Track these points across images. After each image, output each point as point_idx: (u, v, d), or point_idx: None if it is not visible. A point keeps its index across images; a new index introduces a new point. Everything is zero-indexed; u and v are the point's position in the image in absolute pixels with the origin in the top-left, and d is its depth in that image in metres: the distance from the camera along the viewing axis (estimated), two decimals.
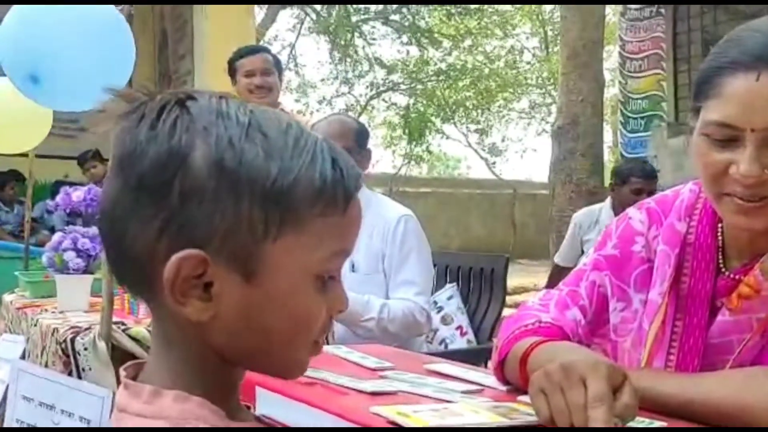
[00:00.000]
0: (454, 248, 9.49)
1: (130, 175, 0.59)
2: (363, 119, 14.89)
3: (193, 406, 0.59)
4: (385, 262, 2.27)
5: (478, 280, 2.91)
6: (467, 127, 15.10)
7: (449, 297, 2.87)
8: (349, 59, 14.71)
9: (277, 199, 0.58)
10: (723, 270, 1.04)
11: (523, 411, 0.91)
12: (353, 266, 2.29)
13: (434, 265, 2.91)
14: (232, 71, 3.14)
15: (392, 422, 0.82)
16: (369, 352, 1.35)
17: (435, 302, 2.84)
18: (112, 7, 1.75)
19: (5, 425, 1.85)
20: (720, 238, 1.05)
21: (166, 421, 0.58)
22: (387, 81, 14.86)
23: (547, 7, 14.64)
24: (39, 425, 1.75)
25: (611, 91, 11.53)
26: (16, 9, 1.72)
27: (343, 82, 14.85)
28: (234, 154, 0.58)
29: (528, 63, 15.60)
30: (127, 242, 0.60)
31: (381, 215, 2.30)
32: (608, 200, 3.77)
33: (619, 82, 6.78)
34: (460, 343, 2.69)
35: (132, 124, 0.60)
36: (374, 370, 1.20)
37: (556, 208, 6.23)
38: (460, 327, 2.75)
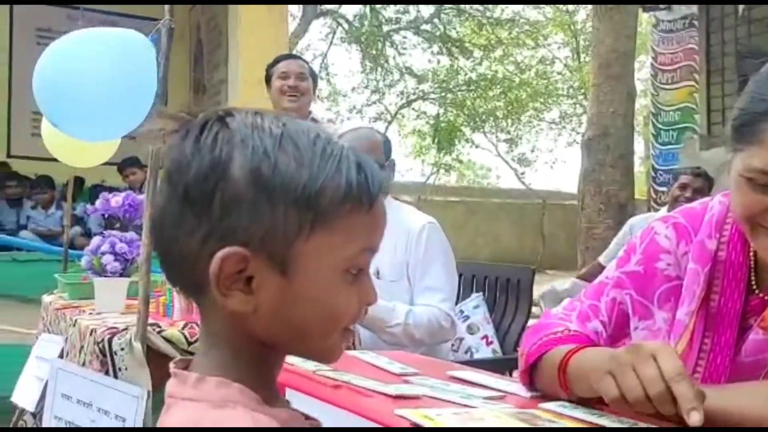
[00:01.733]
0: (483, 258, 9.45)
1: (177, 186, 0.66)
2: (393, 128, 14.98)
3: (234, 392, 0.65)
4: (410, 270, 2.30)
5: (504, 291, 2.92)
6: (497, 137, 15.07)
7: (475, 306, 2.89)
8: (380, 68, 14.81)
9: (308, 203, 0.65)
10: (755, 289, 1.04)
11: (545, 418, 0.94)
12: (378, 273, 2.33)
13: (460, 275, 2.94)
14: (268, 77, 3.21)
15: (415, 424, 0.86)
16: (395, 358, 1.39)
17: (461, 311, 2.87)
18: (136, 33, 1.84)
19: (44, 422, 1.92)
20: (751, 256, 1.05)
21: (209, 404, 0.65)
22: (417, 90, 14.92)
23: (579, 17, 14.59)
24: (77, 423, 1.82)
25: (643, 102, 11.43)
26: (50, 47, 1.84)
27: (373, 91, 14.96)
28: (269, 164, 0.65)
29: (559, 73, 15.54)
30: (177, 248, 0.67)
31: (404, 223, 2.34)
32: (664, 208, 3.86)
33: (651, 94, 6.74)
34: (485, 353, 2.71)
35: (178, 140, 0.67)
36: (399, 375, 1.24)
37: (584, 219, 6.20)
38: (485, 336, 2.77)
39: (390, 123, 14.37)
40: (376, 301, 0.72)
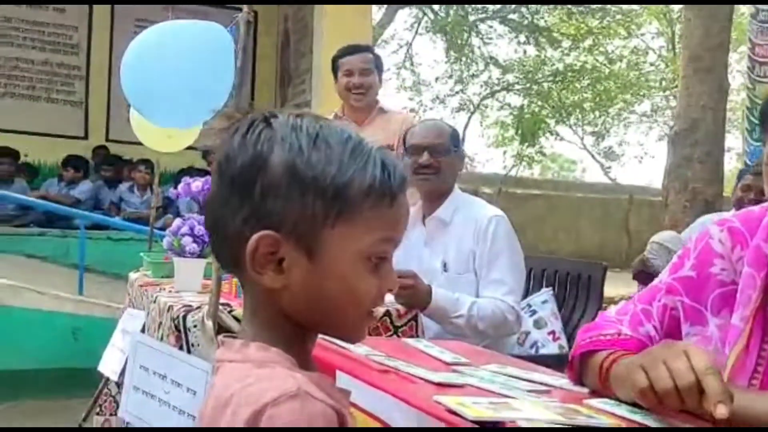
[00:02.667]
0: (564, 254, 9.25)
1: (225, 175, 0.77)
2: (475, 118, 14.86)
3: (272, 354, 0.74)
4: (476, 262, 2.31)
5: (574, 287, 2.88)
6: (583, 129, 14.69)
7: (544, 301, 2.86)
8: (464, 58, 14.70)
9: (335, 195, 0.73)
10: None
11: (585, 413, 0.95)
12: (445, 266, 2.36)
13: (531, 269, 2.93)
14: (334, 69, 3.24)
15: (451, 410, 0.89)
16: (448, 348, 1.42)
17: (529, 305, 2.85)
18: (217, 26, 1.94)
19: (123, 392, 2.06)
20: None
21: (251, 364, 0.73)
22: (502, 81, 14.72)
23: (676, 6, 13.96)
24: (153, 393, 1.94)
25: (743, 96, 10.86)
26: (134, 43, 1.97)
27: (457, 81, 14.87)
28: (302, 159, 0.74)
29: (652, 65, 14.97)
30: (222, 228, 0.77)
31: (472, 216, 2.35)
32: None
33: (747, 87, 6.40)
34: (551, 348, 2.69)
35: (229, 136, 0.78)
36: (449, 364, 1.27)
37: (669, 216, 5.98)
38: (552, 332, 2.74)
39: (473, 113, 14.26)
40: (396, 288, 0.79)
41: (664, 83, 14.56)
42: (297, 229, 0.73)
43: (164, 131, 2.54)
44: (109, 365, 2.48)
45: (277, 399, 0.67)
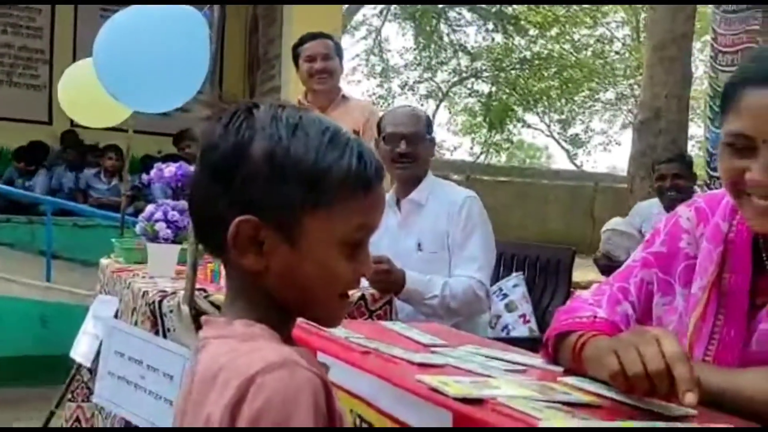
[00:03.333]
0: (531, 240, 9.37)
1: (208, 163, 0.80)
2: (444, 105, 14.91)
3: (257, 330, 0.78)
4: (449, 240, 2.38)
5: (544, 271, 2.95)
6: (549, 117, 14.85)
7: (515, 285, 2.92)
8: (433, 45, 14.71)
9: (314, 183, 0.77)
10: (766, 268, 1.07)
11: (560, 390, 0.99)
12: (419, 246, 2.43)
13: (501, 254, 2.99)
14: (295, 57, 3.25)
15: (433, 389, 0.91)
16: (425, 330, 1.45)
17: (500, 289, 2.91)
18: (191, 9, 1.93)
19: (98, 377, 2.05)
20: (761, 236, 1.09)
21: (237, 339, 0.76)
22: (470, 68, 14.78)
23: None
24: (128, 378, 1.94)
25: (704, 85, 11.07)
26: (107, 26, 1.95)
27: (426, 68, 14.88)
28: (282, 148, 0.77)
29: (617, 53, 15.17)
30: (206, 213, 0.81)
31: (446, 198, 2.43)
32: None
33: (710, 76, 6.53)
34: (521, 331, 2.75)
35: (211, 125, 0.81)
36: (427, 345, 1.30)
37: (633, 203, 6.10)
38: (523, 315, 2.80)
39: (441, 100, 14.30)
40: (370, 273, 0.82)
41: (628, 72, 14.77)
42: (277, 214, 0.77)
43: (95, 106, 2.52)
44: (81, 351, 2.47)
45: (266, 367, 0.70)
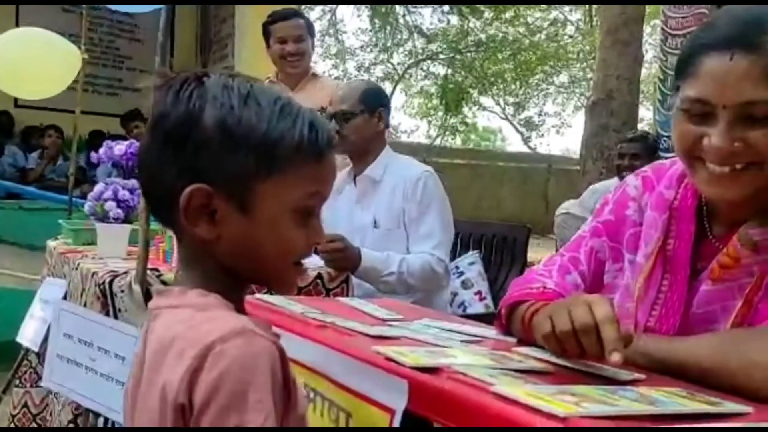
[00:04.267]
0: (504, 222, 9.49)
1: (159, 131, 0.79)
2: (400, 88, 14.87)
3: (211, 299, 0.78)
4: (406, 217, 2.36)
5: (500, 249, 2.98)
6: (504, 100, 14.98)
7: (471, 263, 2.94)
8: (389, 27, 14.65)
9: (266, 151, 0.78)
10: (708, 235, 1.10)
11: (514, 358, 1.00)
12: (375, 223, 2.41)
13: (458, 233, 3.01)
14: (266, 35, 3.19)
15: (390, 359, 0.91)
16: (381, 305, 1.45)
17: (457, 267, 2.92)
18: None
19: (47, 361, 2.00)
20: (704, 202, 1.11)
21: (193, 309, 0.77)
22: (426, 50, 14.78)
23: None
24: (78, 361, 1.89)
25: (654, 68, 11.30)
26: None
27: (381, 50, 14.83)
28: (233, 117, 0.78)
29: (570, 36, 15.35)
30: (157, 183, 0.80)
31: (402, 174, 2.39)
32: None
33: (660, 59, 6.67)
34: (477, 308, 2.77)
35: (162, 94, 0.80)
36: (384, 319, 1.29)
37: (586, 183, 6.21)
38: (479, 292, 2.83)
39: (397, 83, 14.27)
40: (324, 241, 0.81)
41: (581, 55, 14.97)
42: (229, 183, 0.77)
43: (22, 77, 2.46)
44: (28, 336, 2.39)
45: (224, 336, 0.70)
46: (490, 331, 1.25)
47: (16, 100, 6.62)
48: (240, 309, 0.82)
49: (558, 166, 12.11)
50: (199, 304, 0.78)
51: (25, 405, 2.56)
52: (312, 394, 1.05)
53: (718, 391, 0.90)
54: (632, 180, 1.21)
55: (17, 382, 2.61)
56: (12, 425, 2.53)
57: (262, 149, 0.77)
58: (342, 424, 0.97)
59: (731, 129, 0.98)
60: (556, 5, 14.87)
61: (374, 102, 2.42)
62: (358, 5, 14.82)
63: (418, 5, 14.63)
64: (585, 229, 1.25)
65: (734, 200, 1.04)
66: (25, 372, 2.59)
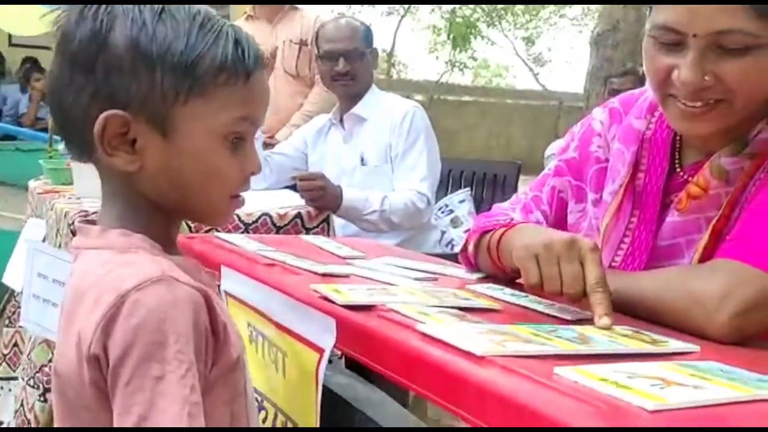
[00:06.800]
0: (495, 159, 9.40)
1: (65, 54, 0.73)
2: (406, 22, 14.52)
3: (135, 240, 0.73)
4: (392, 152, 2.35)
5: (490, 186, 2.93)
6: (514, 34, 14.60)
7: (461, 201, 2.89)
8: None
9: (185, 71, 0.71)
10: (677, 167, 1.04)
11: (462, 296, 0.96)
12: (362, 160, 2.40)
13: (449, 171, 2.97)
14: None
15: (325, 297, 0.88)
16: (347, 243, 1.41)
17: (446, 205, 2.88)
18: None
19: (23, 301, 1.99)
20: (678, 135, 1.05)
21: (113, 251, 0.72)
22: None
23: None
24: (52, 300, 1.88)
25: None
26: None
27: None
28: (147, 33, 0.71)
29: None
30: (68, 109, 0.74)
31: (388, 110, 2.38)
32: None
33: None
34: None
35: (66, 11, 0.74)
36: (343, 257, 1.26)
37: None
38: (468, 230, 2.79)
39: (403, 17, 13.93)
40: (260, 171, 0.77)
41: None
42: (147, 106, 0.71)
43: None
44: (13, 277, 2.40)
45: (142, 283, 0.66)
46: (454, 269, 1.22)
47: (10, 37, 6.54)
48: (170, 247, 0.77)
49: (569, 104, 11.88)
50: (119, 245, 0.73)
51: (15, 344, 2.59)
52: (255, 334, 1.02)
53: (667, 328, 0.86)
54: (598, 113, 1.15)
55: (6, 321, 2.63)
56: (4, 364, 2.57)
57: (181, 69, 0.71)
58: (280, 364, 0.95)
59: (701, 60, 0.90)
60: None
61: (371, 41, 2.45)
62: None
63: None
64: (550, 167, 1.20)
65: (705, 135, 0.98)
66: (14, 312, 2.61)
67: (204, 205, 0.76)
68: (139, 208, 0.75)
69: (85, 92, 0.72)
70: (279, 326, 0.95)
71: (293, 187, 2.26)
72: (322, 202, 2.11)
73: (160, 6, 0.72)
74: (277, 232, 2.00)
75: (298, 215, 2.04)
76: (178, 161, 0.73)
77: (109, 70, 0.71)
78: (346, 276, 1.05)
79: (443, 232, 2.76)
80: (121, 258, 0.71)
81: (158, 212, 0.76)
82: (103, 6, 0.72)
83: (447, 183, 3.00)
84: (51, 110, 0.78)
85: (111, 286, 0.67)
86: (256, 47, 0.76)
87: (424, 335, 0.72)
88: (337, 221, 2.19)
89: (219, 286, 0.82)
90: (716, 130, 0.97)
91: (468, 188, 2.97)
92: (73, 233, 1.84)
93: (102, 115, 0.70)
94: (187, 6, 0.74)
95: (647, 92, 1.10)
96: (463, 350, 0.66)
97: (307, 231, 2.07)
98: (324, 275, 1.04)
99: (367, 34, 2.43)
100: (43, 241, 2.19)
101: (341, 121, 2.45)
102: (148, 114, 0.71)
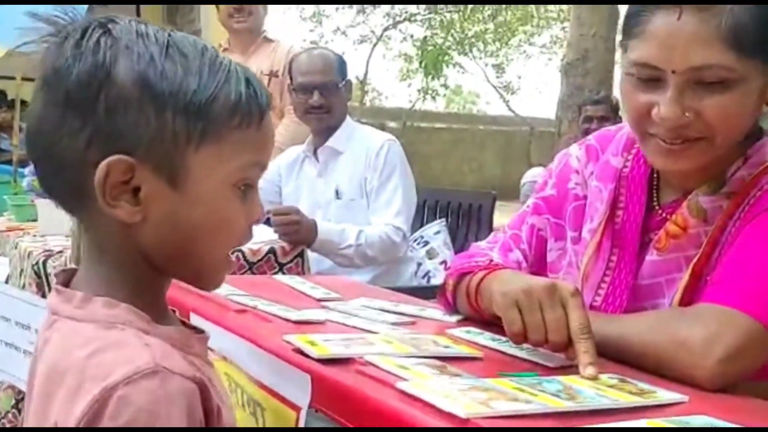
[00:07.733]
0: (468, 186, 9.43)
1: (56, 91, 0.64)
2: (378, 51, 14.65)
3: (121, 311, 0.65)
4: (367, 186, 2.32)
5: (466, 217, 2.91)
6: (485, 62, 14.78)
7: (436, 232, 2.87)
8: None
9: (198, 112, 0.64)
10: (655, 205, 1.03)
11: (442, 343, 0.92)
12: (337, 193, 2.37)
13: (424, 202, 2.95)
14: None
15: (299, 350, 0.84)
16: (322, 283, 1.37)
17: (421, 237, 2.85)
18: None
19: None
20: (655, 173, 1.04)
21: (96, 325, 0.64)
22: (404, 11, 14.50)
23: None
24: (16, 344, 1.81)
25: None
26: None
27: (358, 11, 14.52)
28: (155, 69, 0.64)
29: None
30: (57, 154, 0.65)
31: (364, 143, 2.35)
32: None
33: None
34: (442, 277, 2.71)
35: (57, 44, 0.65)
36: (318, 300, 1.22)
37: (563, 145, 6.14)
38: (444, 262, 2.76)
39: (375, 45, 14.04)
40: (263, 217, 0.72)
41: (562, 15, 14.76)
42: (154, 151, 0.64)
43: None
44: None
45: (131, 377, 0.59)
46: (432, 311, 1.18)
47: None
48: (160, 310, 0.69)
49: (540, 129, 12.02)
50: (104, 318, 0.64)
51: None
52: (233, 385, 0.97)
53: (651, 372, 0.84)
54: (575, 150, 1.13)
55: None
56: None
57: (194, 110, 0.64)
58: (259, 418, 0.90)
59: (681, 97, 0.90)
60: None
61: (345, 72, 2.43)
62: None
63: None
64: (528, 204, 1.18)
65: (684, 171, 0.97)
66: None
67: (205, 262, 0.69)
68: (132, 266, 0.67)
69: (82, 134, 0.63)
70: (252, 379, 0.90)
71: (267, 221, 2.22)
72: (297, 237, 2.07)
73: (166, 40, 0.66)
74: (250, 268, 1.95)
75: (272, 250, 2.00)
76: (186, 211, 0.65)
77: (112, 110, 0.63)
78: (321, 323, 1.01)
79: (419, 264, 2.73)
80: (106, 337, 0.63)
81: (150, 272, 0.68)
82: (104, 38, 0.64)
83: (423, 212, 2.98)
84: (33, 155, 0.68)
85: (95, 373, 0.60)
86: (264, 87, 0.70)
87: (404, 394, 0.69)
88: (311, 256, 2.16)
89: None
90: (695, 167, 0.96)
91: (443, 219, 2.95)
92: (36, 274, 1.78)
93: (105, 161, 0.63)
94: (192, 39, 0.67)
95: (624, 129, 1.09)
96: (446, 412, 0.62)
97: (281, 266, 2.03)
98: (297, 323, 1.00)
99: (341, 66, 2.41)
100: (6, 281, 2.12)
101: (315, 153, 2.42)
102: (156, 160, 0.64)
